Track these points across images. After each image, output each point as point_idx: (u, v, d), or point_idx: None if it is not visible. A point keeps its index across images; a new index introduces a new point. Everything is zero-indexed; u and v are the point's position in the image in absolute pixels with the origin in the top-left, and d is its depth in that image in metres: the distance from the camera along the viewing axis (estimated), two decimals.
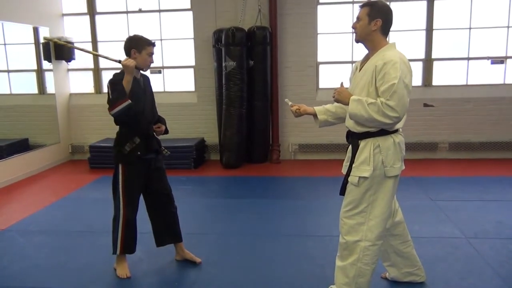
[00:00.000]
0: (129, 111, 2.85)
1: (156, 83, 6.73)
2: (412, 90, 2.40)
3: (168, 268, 3.28)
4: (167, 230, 3.27)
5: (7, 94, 6.39)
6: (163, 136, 3.27)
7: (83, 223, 4.22)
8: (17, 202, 5.01)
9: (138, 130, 3.02)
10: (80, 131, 7.07)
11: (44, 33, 6.45)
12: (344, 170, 2.58)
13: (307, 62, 6.54)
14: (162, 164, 3.23)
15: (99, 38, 6.98)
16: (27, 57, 6.60)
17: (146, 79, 3.16)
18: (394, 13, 2.47)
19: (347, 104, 2.41)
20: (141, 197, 3.18)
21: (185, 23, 6.72)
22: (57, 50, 6.58)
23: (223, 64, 6.13)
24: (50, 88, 6.70)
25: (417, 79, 6.46)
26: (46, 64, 6.61)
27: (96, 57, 6.97)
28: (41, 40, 6.45)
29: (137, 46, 2.95)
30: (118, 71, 3.01)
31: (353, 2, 6.36)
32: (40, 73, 6.67)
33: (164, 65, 6.87)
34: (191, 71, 6.84)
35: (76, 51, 6.79)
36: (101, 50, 6.88)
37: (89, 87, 7.18)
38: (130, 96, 2.85)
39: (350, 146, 2.55)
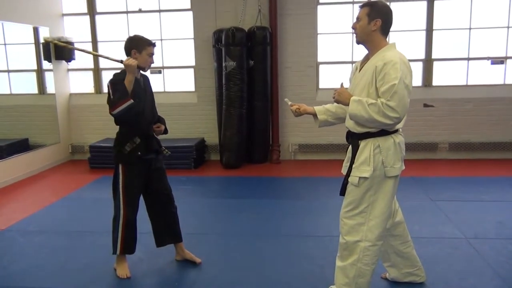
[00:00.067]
0: (130, 111, 2.85)
1: (156, 83, 6.73)
2: (412, 90, 2.40)
3: (168, 268, 3.28)
4: (167, 230, 3.27)
5: (7, 94, 6.39)
6: (163, 136, 3.27)
7: (83, 223, 4.22)
8: (17, 202, 5.01)
9: (138, 130, 3.02)
10: (80, 131, 7.07)
11: (44, 33, 6.45)
12: (344, 171, 2.58)
13: (307, 62, 6.54)
14: (162, 164, 3.23)
15: (99, 38, 6.98)
16: (27, 57, 6.60)
17: (146, 79, 3.16)
18: (394, 13, 2.47)
19: (347, 105, 2.41)
20: (141, 197, 3.18)
21: (185, 23, 6.72)
22: (57, 50, 6.58)
23: (223, 64, 6.13)
24: (50, 88, 6.70)
25: (417, 80, 6.46)
26: (46, 64, 6.61)
27: (96, 57, 6.97)
28: (41, 40, 6.45)
29: (138, 46, 2.95)
30: (118, 71, 3.01)
31: (353, 2, 6.36)
32: (40, 73, 6.67)
33: (164, 65, 6.87)
34: (191, 71, 6.84)
35: (76, 51, 6.79)
36: (101, 50, 6.88)
37: (89, 87, 7.18)
38: (132, 96, 2.85)
39: (350, 147, 2.55)
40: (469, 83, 6.46)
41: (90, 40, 6.95)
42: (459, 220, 4.04)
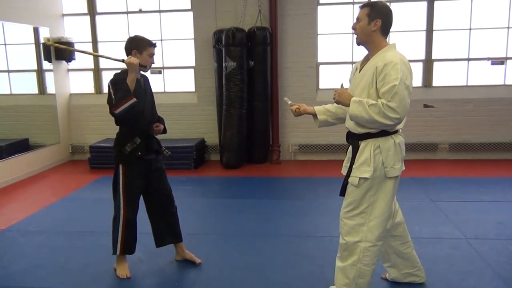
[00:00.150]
0: (132, 110, 2.84)
1: (156, 84, 6.74)
2: (412, 91, 2.40)
3: (168, 269, 3.28)
4: (167, 230, 3.26)
5: (7, 94, 6.39)
6: (163, 136, 3.27)
7: (83, 223, 4.22)
8: (17, 202, 5.01)
9: (139, 130, 3.02)
10: (80, 131, 7.07)
11: (44, 33, 6.46)
12: (344, 171, 2.58)
13: (307, 63, 6.54)
14: (162, 164, 3.23)
15: (99, 38, 6.98)
16: (27, 57, 6.60)
17: (146, 79, 3.16)
18: (394, 13, 2.47)
19: (347, 105, 2.41)
20: (141, 198, 3.18)
21: (185, 24, 6.72)
22: (57, 51, 6.59)
23: (223, 65, 6.13)
24: (50, 88, 6.70)
25: (417, 80, 6.46)
26: (46, 64, 6.61)
27: (96, 57, 6.97)
28: (41, 41, 6.45)
29: (138, 47, 2.95)
30: (119, 71, 3.01)
31: (353, 3, 6.36)
32: (40, 73, 6.67)
33: (165, 65, 6.88)
34: (191, 72, 6.85)
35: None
36: (102, 51, 6.89)
37: (89, 87, 7.19)
38: (135, 96, 2.84)
39: (350, 147, 2.55)
40: (469, 84, 6.46)
41: (90, 40, 6.96)
42: (459, 220, 4.04)
